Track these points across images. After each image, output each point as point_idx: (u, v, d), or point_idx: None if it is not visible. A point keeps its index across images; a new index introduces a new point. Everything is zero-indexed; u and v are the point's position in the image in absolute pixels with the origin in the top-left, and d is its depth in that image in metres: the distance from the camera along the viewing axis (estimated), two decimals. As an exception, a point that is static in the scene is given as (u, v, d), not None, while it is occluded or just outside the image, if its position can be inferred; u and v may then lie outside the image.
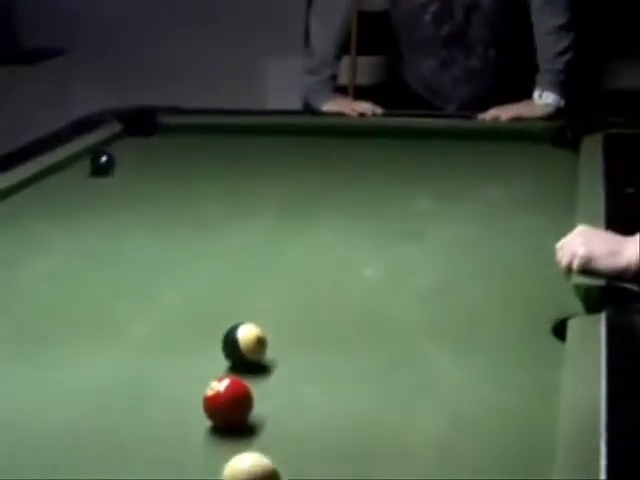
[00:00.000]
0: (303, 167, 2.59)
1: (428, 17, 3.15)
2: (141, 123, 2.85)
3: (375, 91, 3.48)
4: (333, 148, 2.75)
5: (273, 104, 3.97)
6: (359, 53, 3.21)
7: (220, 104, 3.26)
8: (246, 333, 1.44)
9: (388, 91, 3.44)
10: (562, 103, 2.97)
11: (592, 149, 2.48)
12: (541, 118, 2.91)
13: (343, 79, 3.19)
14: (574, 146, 2.59)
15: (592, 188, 2.12)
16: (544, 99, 2.97)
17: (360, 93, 3.21)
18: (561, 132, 2.70)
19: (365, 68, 3.52)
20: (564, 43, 2.99)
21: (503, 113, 2.92)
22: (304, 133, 2.83)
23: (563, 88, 2.99)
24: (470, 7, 3.11)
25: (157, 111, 2.93)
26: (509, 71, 3.16)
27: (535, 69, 3.04)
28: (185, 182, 2.43)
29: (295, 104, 3.45)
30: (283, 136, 2.82)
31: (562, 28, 2.99)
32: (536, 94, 2.99)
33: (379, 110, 3.03)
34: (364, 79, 3.47)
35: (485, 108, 2.97)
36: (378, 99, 3.16)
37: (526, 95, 3.02)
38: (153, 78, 4.14)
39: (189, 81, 4.17)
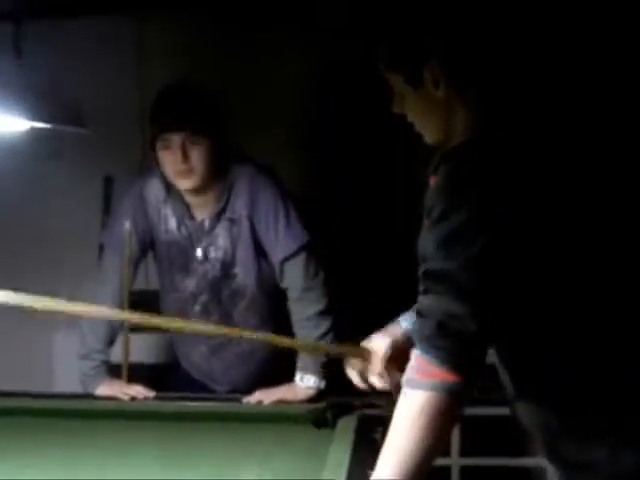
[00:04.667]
0: (70, 452, 2.60)
1: (198, 307, 3.26)
2: None
3: (151, 370, 3.57)
4: (104, 431, 2.80)
5: (61, 382, 4.03)
6: (135, 329, 3.29)
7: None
8: None
9: (163, 370, 3.53)
10: (322, 385, 3.05)
11: (346, 430, 2.59)
12: (303, 401, 2.99)
13: (118, 357, 3.28)
14: (334, 426, 2.69)
15: (336, 469, 2.23)
16: (306, 382, 3.05)
17: (136, 371, 3.26)
18: (322, 413, 2.79)
19: (140, 345, 3.59)
20: (324, 327, 3.09)
21: (266, 397, 3.00)
22: (81, 416, 2.89)
23: (323, 371, 3.07)
24: (235, 294, 3.24)
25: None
26: (278, 353, 3.26)
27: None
28: None
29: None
30: (57, 419, 2.87)
31: (321, 313, 3.10)
32: (298, 377, 3.06)
33: (151, 393, 3.09)
34: (139, 357, 3.52)
35: (258, 388, 3.06)
36: (153, 378, 3.25)
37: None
38: None
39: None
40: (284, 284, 3.15)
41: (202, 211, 3.21)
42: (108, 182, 4.23)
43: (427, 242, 1.86)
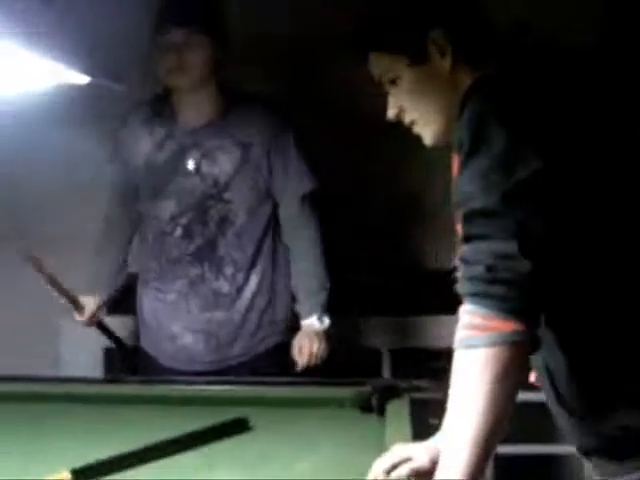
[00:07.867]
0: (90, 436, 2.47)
1: (179, 231, 3.15)
2: None
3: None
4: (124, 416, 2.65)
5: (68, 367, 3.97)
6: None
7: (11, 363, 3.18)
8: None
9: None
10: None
11: (400, 415, 2.43)
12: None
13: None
14: (381, 412, 2.54)
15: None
16: (325, 323, 3.10)
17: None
18: (367, 398, 2.63)
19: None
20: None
21: (300, 357, 3.09)
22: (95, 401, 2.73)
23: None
24: (224, 220, 3.13)
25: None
26: (255, 306, 3.21)
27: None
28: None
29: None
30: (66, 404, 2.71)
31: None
32: (314, 318, 3.10)
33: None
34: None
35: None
36: None
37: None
38: None
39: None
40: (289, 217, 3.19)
41: (196, 117, 3.13)
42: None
43: (462, 182, 1.70)
